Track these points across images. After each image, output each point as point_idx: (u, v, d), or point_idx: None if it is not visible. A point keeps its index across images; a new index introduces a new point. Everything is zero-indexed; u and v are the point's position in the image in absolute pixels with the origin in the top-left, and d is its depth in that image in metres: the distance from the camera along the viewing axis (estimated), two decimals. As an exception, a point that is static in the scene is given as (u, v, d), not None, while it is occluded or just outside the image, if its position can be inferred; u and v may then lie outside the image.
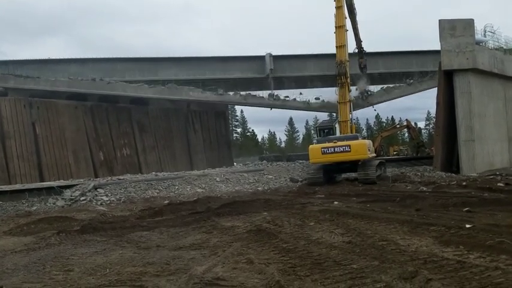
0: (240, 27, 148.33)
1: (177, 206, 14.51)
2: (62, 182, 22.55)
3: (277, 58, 36.41)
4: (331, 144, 20.47)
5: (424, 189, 16.07)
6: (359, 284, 5.00)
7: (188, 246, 7.82)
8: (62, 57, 33.41)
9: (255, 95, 36.38)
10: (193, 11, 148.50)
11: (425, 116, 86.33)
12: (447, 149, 24.25)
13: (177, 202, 16.33)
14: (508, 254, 5.78)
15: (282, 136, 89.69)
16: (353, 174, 21.90)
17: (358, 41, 27.17)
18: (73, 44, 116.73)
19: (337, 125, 22.55)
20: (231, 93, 36.13)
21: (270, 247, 7.23)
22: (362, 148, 20.28)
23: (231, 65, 36.53)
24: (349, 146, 20.17)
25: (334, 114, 34.19)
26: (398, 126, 40.60)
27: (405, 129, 40.86)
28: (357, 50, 27.73)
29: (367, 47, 27.93)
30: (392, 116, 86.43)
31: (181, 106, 40.58)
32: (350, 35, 23.94)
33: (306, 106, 36.38)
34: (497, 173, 21.44)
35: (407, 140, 54.96)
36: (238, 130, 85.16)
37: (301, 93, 36.88)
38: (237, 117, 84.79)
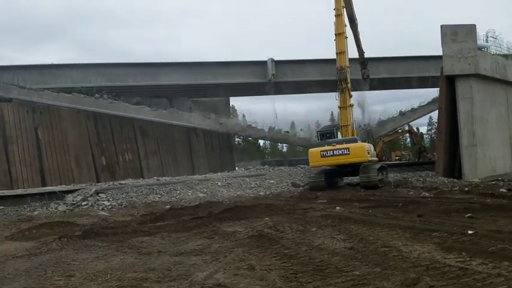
0: (241, 33, 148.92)
1: (179, 211, 14.50)
2: (64, 187, 22.58)
3: (279, 63, 36.48)
4: (330, 147, 20.51)
5: (426, 194, 16.01)
6: (361, 291, 4.97)
7: (189, 252, 7.80)
8: (64, 63, 33.54)
9: (255, 127, 37.00)
10: (193, 16, 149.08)
11: (427, 121, 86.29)
12: (449, 154, 24.21)
13: (179, 207, 16.32)
14: (510, 261, 5.74)
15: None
16: (355, 179, 21.87)
17: (361, 51, 27.12)
18: (73, 50, 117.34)
19: (338, 130, 22.56)
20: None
21: (271, 253, 7.20)
22: (361, 151, 20.30)
23: (233, 70, 36.57)
24: (348, 148, 20.20)
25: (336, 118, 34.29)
26: (400, 131, 40.55)
27: (407, 134, 40.84)
28: (359, 61, 27.74)
29: (369, 52, 27.94)
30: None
31: (183, 111, 40.63)
32: (350, 41, 24.09)
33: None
34: (500, 178, 21.39)
35: (409, 145, 54.91)
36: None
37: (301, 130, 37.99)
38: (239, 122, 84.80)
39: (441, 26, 23.95)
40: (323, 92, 40.85)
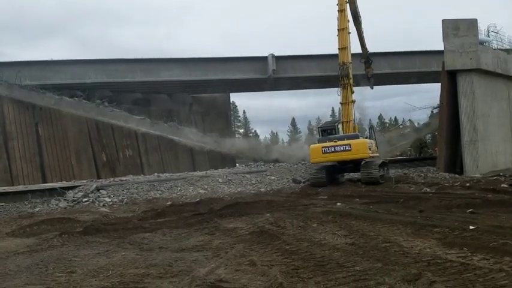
0: (241, 29, 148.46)
1: (180, 207, 14.51)
2: (65, 183, 22.60)
3: (279, 59, 36.33)
4: (331, 143, 20.46)
5: (428, 190, 16.01)
6: (362, 286, 4.97)
7: (191, 248, 7.81)
8: (64, 59, 33.44)
9: None
10: (193, 13, 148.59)
11: (429, 116, 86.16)
12: (450, 149, 24.18)
13: (180, 203, 16.33)
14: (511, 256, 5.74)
15: (284, 137, 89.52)
16: (356, 175, 21.85)
17: (365, 50, 26.89)
18: (74, 47, 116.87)
19: (339, 126, 22.51)
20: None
21: (272, 249, 7.21)
22: (362, 147, 20.26)
23: (233, 66, 36.45)
24: (349, 145, 20.16)
25: (337, 114, 34.07)
26: (401, 126, 40.55)
27: (408, 130, 40.81)
28: (363, 60, 27.58)
29: (370, 48, 27.77)
30: (395, 117, 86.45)
31: (183, 107, 40.59)
32: (353, 37, 23.87)
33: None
34: (501, 173, 21.35)
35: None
36: (241, 131, 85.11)
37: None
38: (240, 118, 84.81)
39: (442, 20, 23.86)
40: (324, 88, 40.81)
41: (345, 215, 10.30)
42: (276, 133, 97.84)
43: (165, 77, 34.89)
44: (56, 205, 17.70)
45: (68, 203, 18.02)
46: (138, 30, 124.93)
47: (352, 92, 23.16)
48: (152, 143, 36.17)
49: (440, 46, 24.69)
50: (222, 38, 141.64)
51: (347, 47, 22.79)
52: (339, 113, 25.76)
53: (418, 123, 43.18)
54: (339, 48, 22.92)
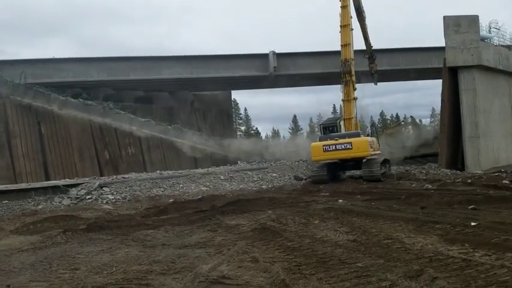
0: (242, 26, 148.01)
1: (182, 205, 14.57)
2: (68, 181, 22.66)
3: (280, 56, 36.24)
4: (332, 141, 20.44)
5: (429, 186, 16.02)
6: (364, 283, 5.00)
7: (193, 245, 7.85)
8: (66, 57, 33.44)
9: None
10: (194, 11, 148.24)
11: (430, 112, 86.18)
12: (452, 146, 24.16)
13: (182, 200, 16.40)
14: (513, 252, 5.76)
15: (285, 134, 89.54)
16: (357, 172, 21.86)
17: (368, 46, 26.61)
18: (75, 45, 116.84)
19: (341, 123, 22.49)
20: None
21: (274, 245, 7.25)
22: (364, 145, 20.24)
23: (234, 63, 36.37)
24: (350, 143, 20.14)
25: (339, 111, 33.87)
26: (403, 123, 40.47)
27: (410, 127, 40.70)
28: (367, 56, 27.39)
29: (373, 43, 27.56)
30: (397, 113, 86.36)
31: (185, 104, 40.57)
32: (355, 33, 23.70)
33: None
34: (503, 170, 21.33)
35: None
36: (242, 128, 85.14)
37: None
38: (241, 115, 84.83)
39: (444, 17, 23.78)
40: (325, 85, 40.71)
41: (346, 211, 10.33)
42: (278, 130, 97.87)
43: (166, 74, 34.88)
44: (59, 202, 17.76)
45: (71, 200, 18.08)
46: (139, 29, 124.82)
47: (355, 89, 23.12)
48: (154, 141, 36.20)
49: (441, 43, 24.64)
50: (223, 36, 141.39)
51: (350, 43, 22.68)
52: (341, 110, 25.71)
53: (420, 120, 43.10)
54: (341, 45, 22.81)
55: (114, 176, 25.23)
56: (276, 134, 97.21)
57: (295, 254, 6.55)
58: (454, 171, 22.46)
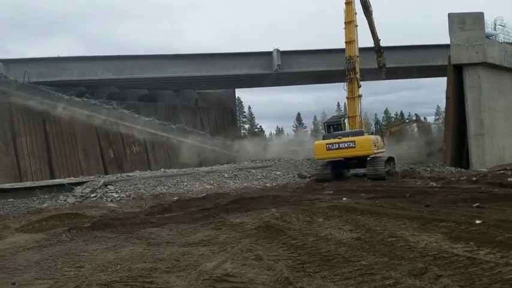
0: (246, 25, 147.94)
1: (186, 203, 14.60)
2: (73, 179, 22.76)
3: (284, 54, 36.22)
4: (335, 140, 20.39)
5: (434, 184, 15.98)
6: (368, 281, 5.00)
7: (197, 243, 7.87)
8: (71, 55, 33.56)
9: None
10: (198, 9, 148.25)
11: (435, 110, 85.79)
12: (457, 143, 24.06)
13: (186, 198, 16.42)
14: (518, 250, 5.74)
15: (289, 132, 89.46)
16: (362, 170, 21.81)
17: (376, 39, 26.32)
18: (80, 44, 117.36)
19: (346, 121, 22.42)
20: None
21: (278, 243, 7.25)
22: (367, 144, 20.17)
23: (238, 61, 36.40)
24: (353, 142, 20.07)
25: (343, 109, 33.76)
26: (407, 121, 40.35)
27: (414, 124, 40.59)
28: (375, 49, 27.12)
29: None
30: (401, 111, 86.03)
31: (189, 103, 40.66)
32: (360, 30, 23.46)
33: None
34: (508, 167, 21.20)
35: (417, 135, 54.62)
36: (246, 126, 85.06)
37: None
38: (245, 113, 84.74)
39: (448, 14, 23.66)
40: (329, 83, 40.63)
41: (350, 209, 10.32)
42: (282, 128, 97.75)
43: (170, 73, 34.96)
44: (64, 201, 17.84)
45: (76, 198, 18.16)
46: (141, 27, 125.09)
47: (359, 87, 23.00)
48: (158, 139, 36.29)
49: (446, 40, 24.52)
50: (226, 34, 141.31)
51: (354, 40, 22.52)
52: (345, 108, 25.62)
53: (425, 118, 42.90)
54: (345, 42, 22.68)
55: (119, 174, 25.33)
56: (280, 131, 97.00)
57: (299, 252, 6.55)
58: (459, 169, 22.37)
